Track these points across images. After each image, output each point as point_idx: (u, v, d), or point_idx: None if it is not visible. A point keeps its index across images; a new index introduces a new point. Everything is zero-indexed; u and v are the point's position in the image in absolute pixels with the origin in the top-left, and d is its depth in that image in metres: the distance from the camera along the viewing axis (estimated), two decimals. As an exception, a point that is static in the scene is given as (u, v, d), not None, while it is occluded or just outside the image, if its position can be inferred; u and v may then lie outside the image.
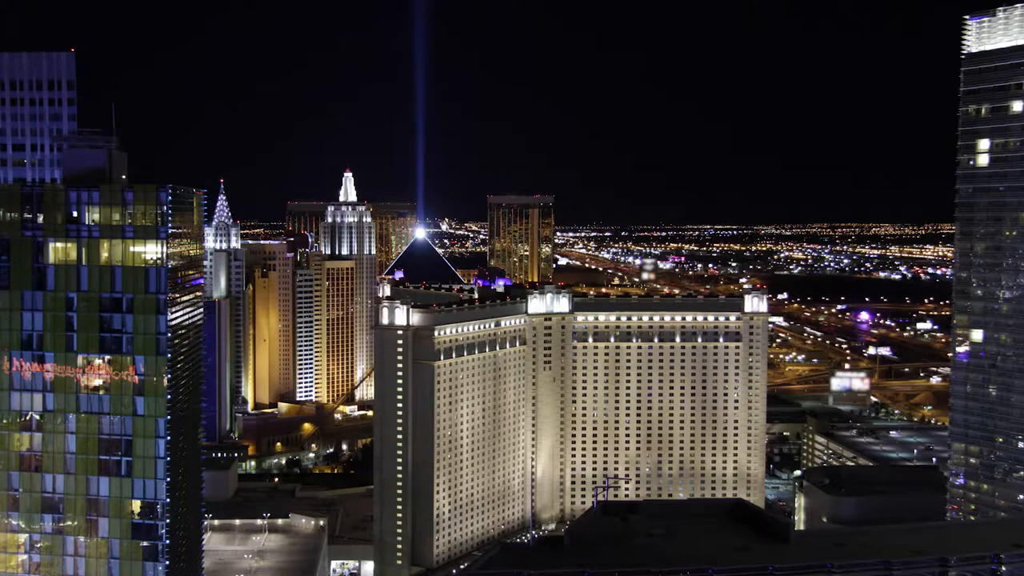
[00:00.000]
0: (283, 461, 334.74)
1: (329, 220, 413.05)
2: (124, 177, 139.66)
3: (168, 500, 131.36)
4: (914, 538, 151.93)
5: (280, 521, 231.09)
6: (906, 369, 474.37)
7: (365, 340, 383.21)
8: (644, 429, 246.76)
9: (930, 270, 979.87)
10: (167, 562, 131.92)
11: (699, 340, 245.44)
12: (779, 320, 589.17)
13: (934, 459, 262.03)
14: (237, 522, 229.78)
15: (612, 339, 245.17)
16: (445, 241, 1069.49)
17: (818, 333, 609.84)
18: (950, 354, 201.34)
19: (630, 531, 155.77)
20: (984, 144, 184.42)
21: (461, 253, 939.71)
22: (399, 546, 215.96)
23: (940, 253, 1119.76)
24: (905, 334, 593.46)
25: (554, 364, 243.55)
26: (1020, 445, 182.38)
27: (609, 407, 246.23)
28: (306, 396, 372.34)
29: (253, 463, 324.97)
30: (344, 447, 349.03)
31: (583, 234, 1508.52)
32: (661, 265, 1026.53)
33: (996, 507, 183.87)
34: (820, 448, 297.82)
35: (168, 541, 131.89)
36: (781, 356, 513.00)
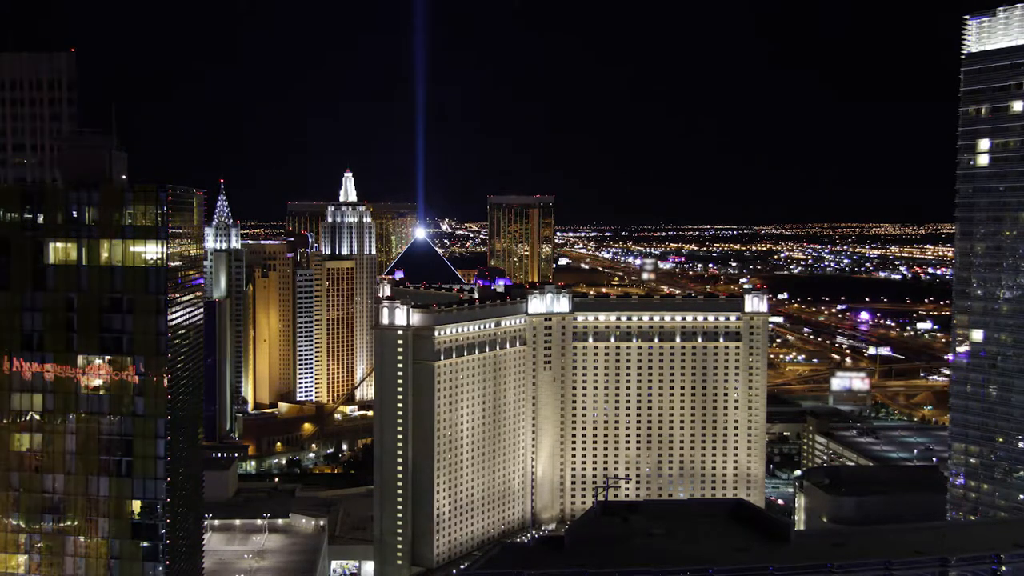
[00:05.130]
0: (283, 461, 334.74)
1: (329, 220, 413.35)
2: (124, 177, 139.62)
3: (168, 500, 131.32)
4: (914, 538, 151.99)
5: (280, 521, 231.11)
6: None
7: (365, 340, 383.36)
8: (644, 429, 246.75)
9: (930, 270, 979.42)
10: (167, 562, 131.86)
11: (699, 340, 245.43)
12: (779, 320, 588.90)
13: (934, 459, 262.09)
14: (237, 522, 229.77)
15: (612, 339, 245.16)
16: (445, 241, 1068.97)
17: (811, 332, 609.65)
18: (950, 354, 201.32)
19: (630, 531, 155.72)
20: (984, 144, 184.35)
21: (461, 253, 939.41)
22: (399, 546, 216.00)
23: (940, 253, 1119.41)
24: (905, 334, 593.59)
25: (554, 364, 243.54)
26: (1020, 445, 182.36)
27: (609, 407, 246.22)
28: (306, 396, 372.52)
29: (253, 463, 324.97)
30: (344, 447, 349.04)
31: (583, 234, 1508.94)
32: (661, 265, 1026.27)
33: (996, 507, 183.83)
34: (820, 448, 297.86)
35: (168, 541, 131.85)
36: (781, 356, 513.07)
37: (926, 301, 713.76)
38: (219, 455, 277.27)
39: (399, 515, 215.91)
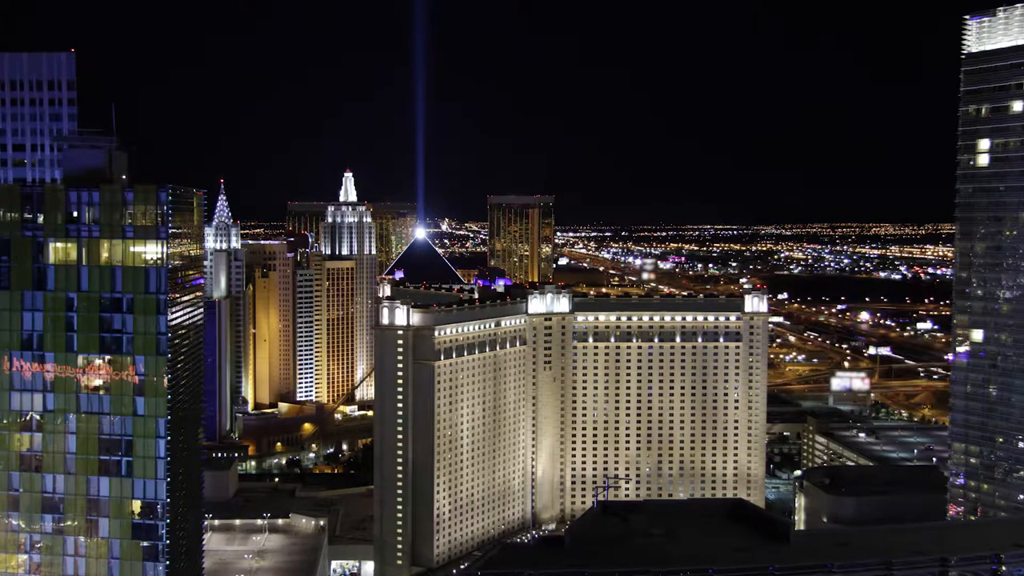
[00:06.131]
0: (283, 461, 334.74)
1: (329, 220, 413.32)
2: (124, 177, 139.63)
3: (168, 500, 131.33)
4: (914, 538, 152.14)
5: (280, 521, 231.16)
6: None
7: (365, 340, 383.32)
8: (644, 429, 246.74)
9: (930, 270, 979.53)
10: (167, 562, 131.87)
11: (699, 340, 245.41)
12: (779, 320, 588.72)
13: (934, 459, 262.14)
14: (237, 522, 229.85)
15: (612, 339, 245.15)
16: (445, 241, 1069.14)
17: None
18: (950, 354, 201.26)
19: (630, 531, 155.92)
20: (984, 144, 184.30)
21: (461, 253, 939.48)
22: (399, 546, 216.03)
23: (940, 253, 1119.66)
24: (905, 334, 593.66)
25: (554, 364, 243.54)
26: (1020, 445, 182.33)
27: (609, 407, 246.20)
28: (306, 396, 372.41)
29: (253, 463, 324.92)
30: (344, 447, 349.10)
31: (583, 234, 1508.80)
32: (661, 265, 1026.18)
33: (996, 507, 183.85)
34: (820, 448, 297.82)
35: (168, 541, 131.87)
36: (781, 356, 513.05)
37: (926, 301, 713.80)
38: (219, 455, 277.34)
39: (399, 515, 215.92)
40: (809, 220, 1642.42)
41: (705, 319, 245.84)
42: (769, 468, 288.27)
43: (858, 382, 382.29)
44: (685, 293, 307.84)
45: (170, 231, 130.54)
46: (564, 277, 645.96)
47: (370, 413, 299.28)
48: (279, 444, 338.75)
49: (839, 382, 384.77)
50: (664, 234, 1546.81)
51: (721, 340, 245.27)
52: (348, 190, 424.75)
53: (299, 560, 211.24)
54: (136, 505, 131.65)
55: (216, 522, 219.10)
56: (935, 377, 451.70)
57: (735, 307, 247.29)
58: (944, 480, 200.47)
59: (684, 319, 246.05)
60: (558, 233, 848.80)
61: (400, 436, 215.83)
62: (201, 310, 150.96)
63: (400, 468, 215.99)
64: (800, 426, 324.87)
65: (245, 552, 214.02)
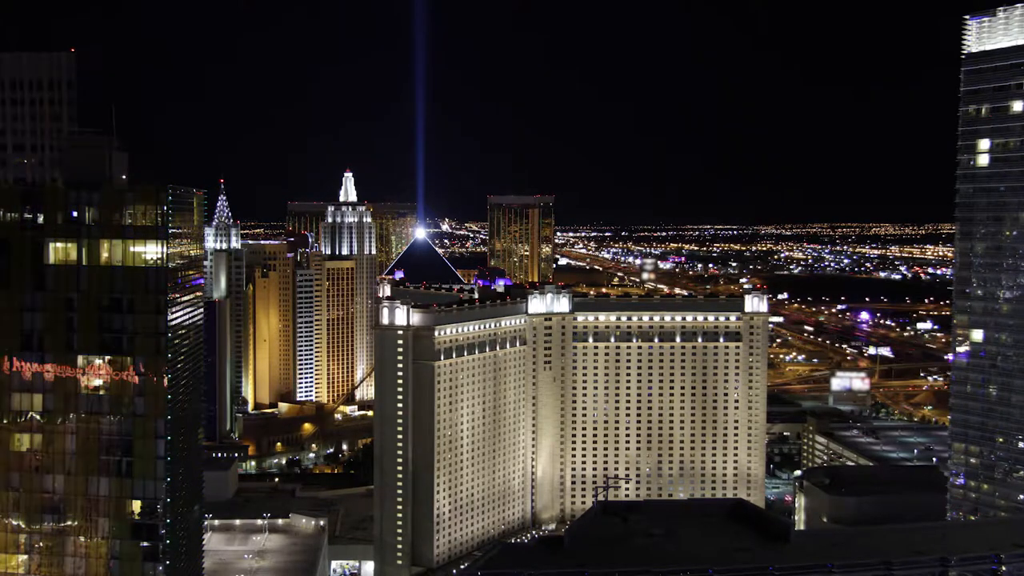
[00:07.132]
0: (283, 461, 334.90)
1: (329, 220, 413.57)
2: (124, 177, 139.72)
3: (168, 500, 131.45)
4: (914, 538, 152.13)
5: (280, 521, 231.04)
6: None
7: (365, 340, 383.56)
8: (644, 429, 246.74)
9: (930, 270, 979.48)
10: (167, 562, 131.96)
11: (699, 340, 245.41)
12: (779, 320, 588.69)
13: (934, 459, 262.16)
14: (237, 522, 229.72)
15: (612, 339, 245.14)
16: (445, 241, 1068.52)
17: (811, 330, 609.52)
18: (950, 354, 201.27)
19: (630, 531, 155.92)
20: (984, 144, 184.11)
21: (461, 253, 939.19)
22: (399, 546, 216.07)
23: (940, 253, 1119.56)
24: (905, 334, 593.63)
25: (554, 364, 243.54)
26: (1020, 445, 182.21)
27: (609, 407, 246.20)
28: (306, 396, 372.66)
29: (253, 463, 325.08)
30: (344, 447, 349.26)
31: (583, 234, 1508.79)
32: (661, 265, 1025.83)
33: (996, 507, 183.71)
34: (820, 448, 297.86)
35: (168, 541, 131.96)
36: (781, 356, 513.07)
37: (926, 301, 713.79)
38: (219, 455, 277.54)
39: (399, 515, 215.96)
40: (809, 220, 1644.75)
41: (705, 319, 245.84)
42: (769, 468, 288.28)
43: (858, 382, 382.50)
44: (685, 293, 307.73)
45: (170, 231, 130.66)
46: (564, 277, 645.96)
47: (370, 413, 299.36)
48: (279, 444, 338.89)
49: (839, 382, 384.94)
50: (664, 234, 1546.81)
51: (721, 340, 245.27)
52: (348, 190, 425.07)
53: (299, 560, 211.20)
54: (136, 505, 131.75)
55: (216, 522, 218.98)
56: (933, 379, 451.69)
57: (735, 307, 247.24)
58: (944, 480, 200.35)
59: (684, 319, 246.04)
60: (558, 233, 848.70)
61: (400, 436, 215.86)
62: (201, 310, 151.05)
63: (400, 468, 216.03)
64: (800, 426, 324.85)
65: (245, 552, 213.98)
